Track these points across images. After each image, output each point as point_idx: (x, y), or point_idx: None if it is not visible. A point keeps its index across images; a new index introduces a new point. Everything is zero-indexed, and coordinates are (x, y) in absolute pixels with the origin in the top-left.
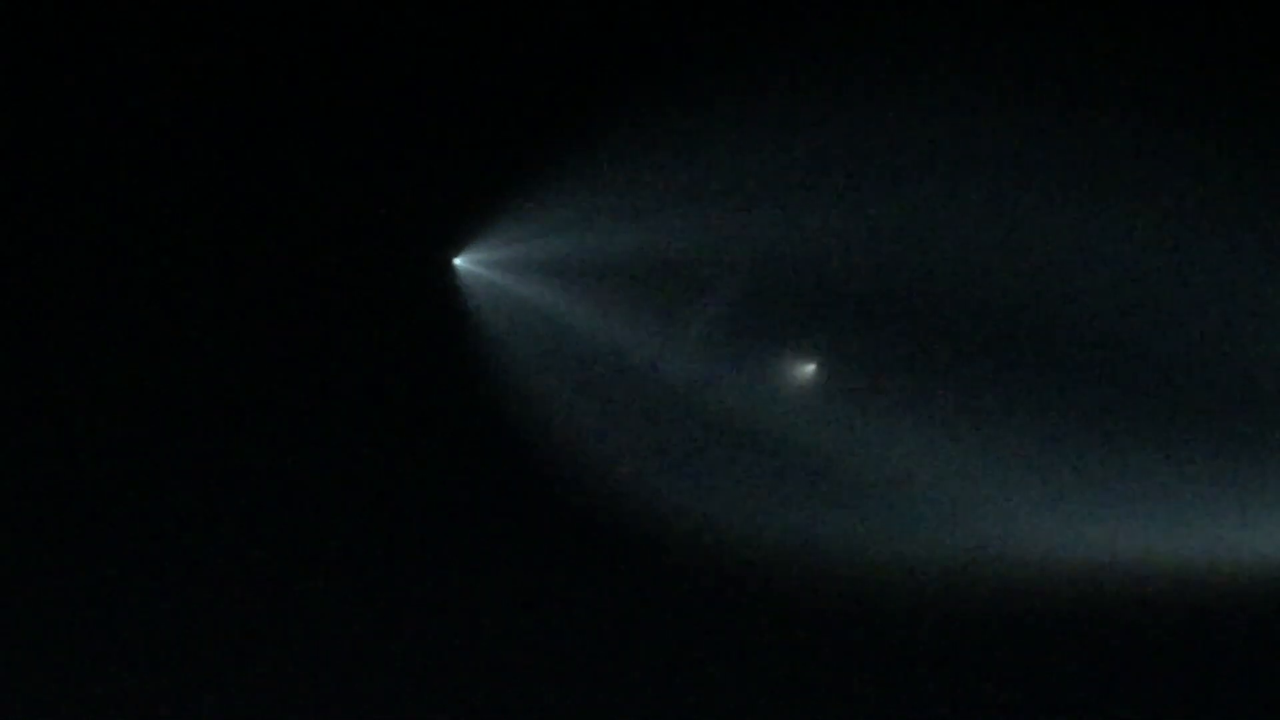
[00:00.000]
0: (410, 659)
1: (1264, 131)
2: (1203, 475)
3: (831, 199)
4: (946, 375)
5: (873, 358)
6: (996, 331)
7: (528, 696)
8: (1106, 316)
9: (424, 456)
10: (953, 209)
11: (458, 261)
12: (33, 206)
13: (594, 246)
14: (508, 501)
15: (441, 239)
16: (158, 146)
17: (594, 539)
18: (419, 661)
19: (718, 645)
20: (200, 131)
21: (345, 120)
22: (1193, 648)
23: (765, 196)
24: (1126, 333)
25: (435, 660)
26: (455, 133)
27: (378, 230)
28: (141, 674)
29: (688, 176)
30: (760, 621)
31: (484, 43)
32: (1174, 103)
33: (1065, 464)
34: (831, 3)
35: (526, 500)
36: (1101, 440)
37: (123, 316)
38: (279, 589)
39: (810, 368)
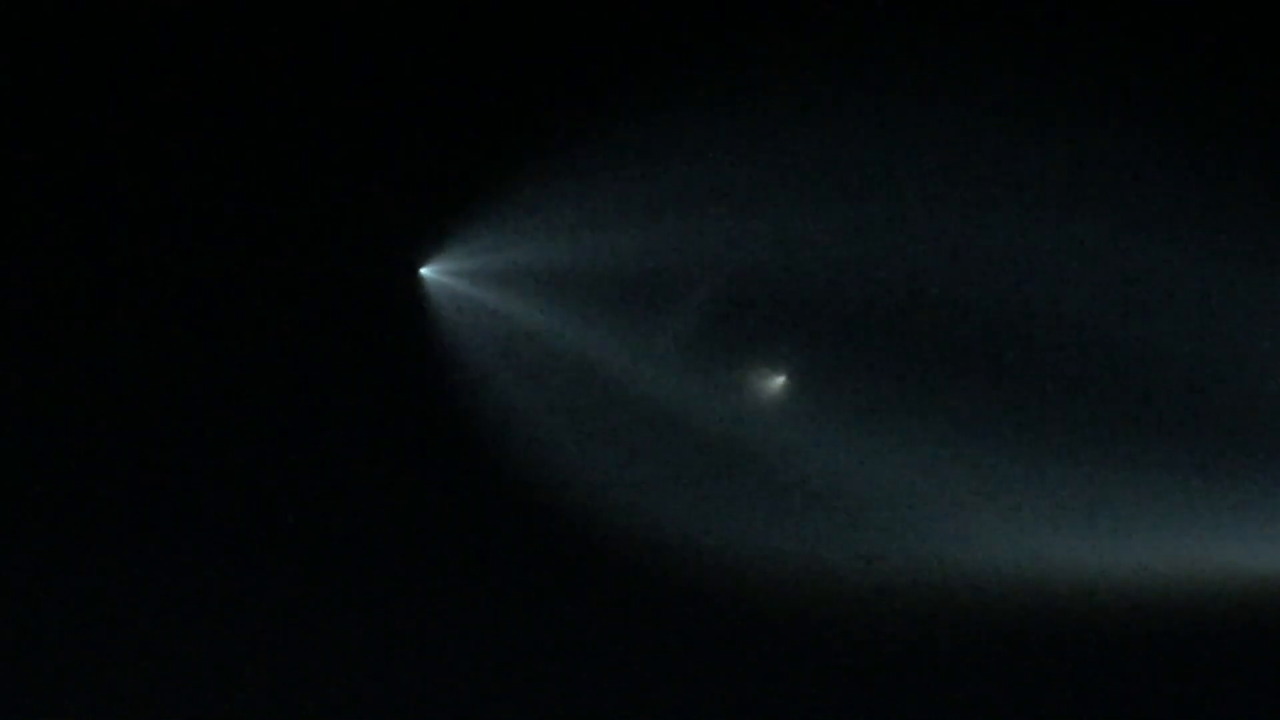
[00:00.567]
0: (371, 671)
1: (1259, 138)
2: (1191, 485)
3: (805, 208)
4: (924, 386)
5: (848, 369)
6: (975, 341)
7: (485, 705)
8: (1089, 325)
9: (390, 469)
10: (931, 217)
11: (424, 271)
12: None
13: (563, 256)
14: (475, 514)
15: (408, 248)
16: (122, 153)
17: (562, 552)
18: (379, 673)
19: (684, 659)
20: (164, 140)
21: (310, 128)
22: (1180, 662)
23: (738, 205)
24: (1111, 341)
25: (396, 671)
26: (422, 140)
27: (342, 239)
28: (104, 683)
29: (659, 185)
30: (730, 635)
31: (452, 51)
32: (1167, 107)
33: (1047, 475)
34: (802, 11)
35: (494, 513)
36: (1086, 451)
37: (83, 324)
38: (237, 601)
39: (783, 379)
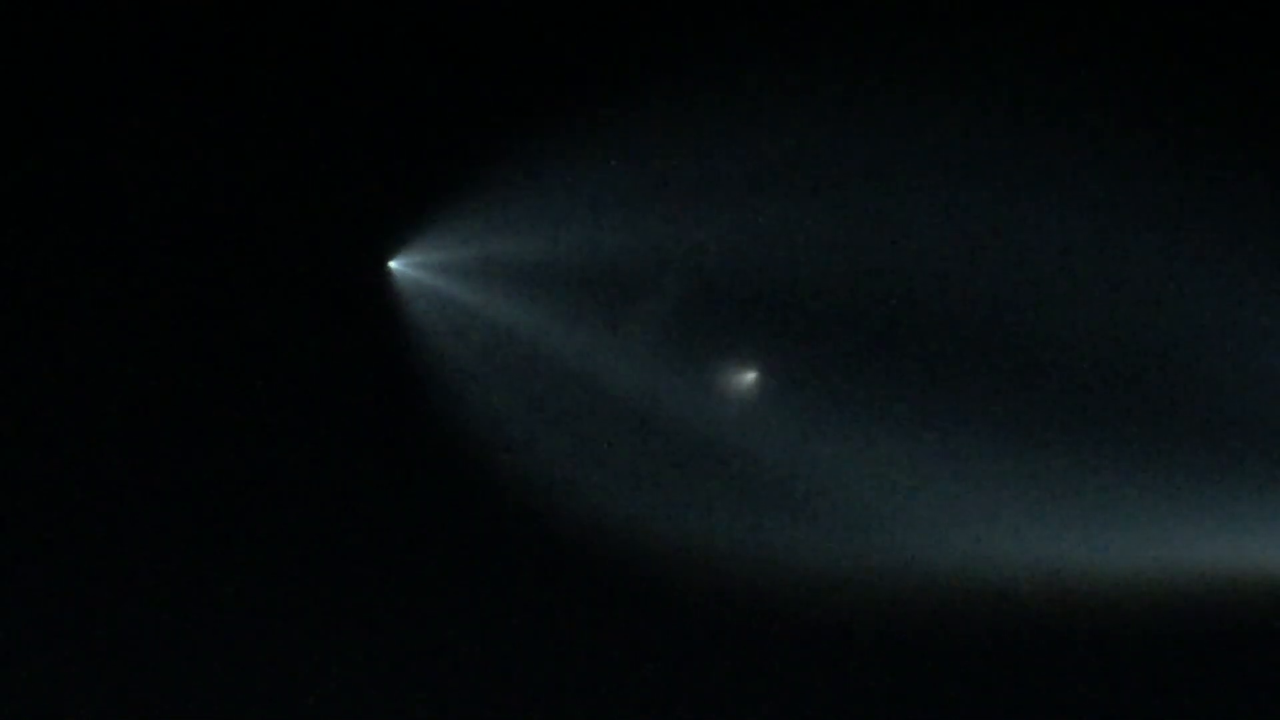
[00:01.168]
0: (337, 671)
1: (1257, 139)
2: (1184, 481)
3: (780, 202)
4: (905, 381)
5: (822, 364)
6: (958, 335)
7: (455, 707)
8: (1078, 319)
9: (358, 464)
10: (911, 209)
11: (393, 264)
12: None
13: (534, 249)
14: (445, 511)
15: (376, 241)
16: (87, 148)
17: (532, 548)
18: (345, 675)
19: (655, 656)
20: (132, 136)
21: (278, 121)
22: (1176, 660)
23: (711, 199)
24: (1102, 336)
25: (362, 672)
26: (391, 133)
27: (310, 232)
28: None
29: (631, 178)
30: (703, 632)
31: (423, 45)
32: (1166, 106)
33: (1022, 471)
34: (773, 2)
35: (464, 509)
36: (1072, 446)
37: (47, 322)
38: (199, 602)
39: (757, 374)
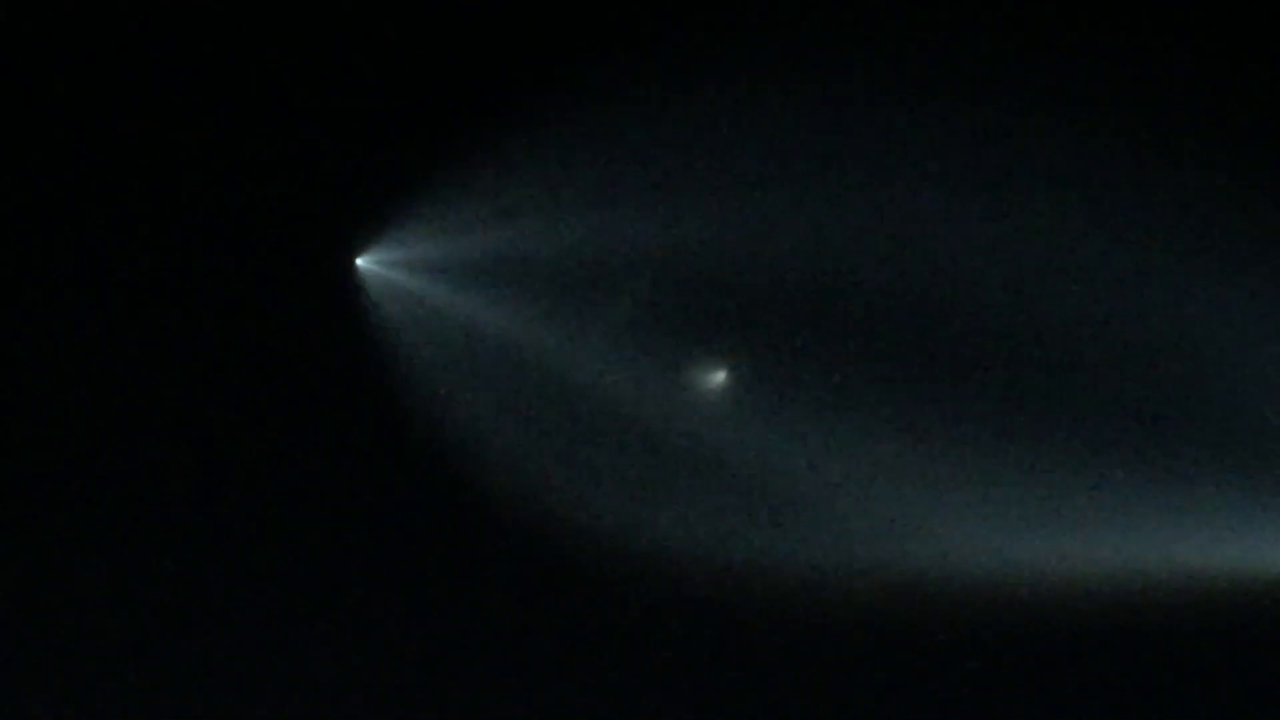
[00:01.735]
0: (300, 671)
1: (1256, 140)
2: (1170, 481)
3: (748, 196)
4: (882, 379)
5: (791, 362)
6: (936, 335)
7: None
8: (1055, 314)
9: (325, 464)
10: (875, 206)
11: (360, 262)
12: None
13: (502, 246)
14: (410, 508)
15: (342, 238)
16: (53, 141)
17: (499, 546)
18: (308, 672)
19: (618, 655)
20: (96, 131)
21: (244, 118)
22: (1162, 661)
23: (678, 194)
24: (1089, 334)
25: (327, 670)
26: (357, 127)
27: (277, 230)
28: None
29: (598, 174)
30: (665, 632)
31: (388, 40)
32: (1165, 104)
33: (993, 471)
34: None
35: (429, 507)
36: (1049, 445)
37: (15, 317)
38: (159, 601)
39: (725, 372)
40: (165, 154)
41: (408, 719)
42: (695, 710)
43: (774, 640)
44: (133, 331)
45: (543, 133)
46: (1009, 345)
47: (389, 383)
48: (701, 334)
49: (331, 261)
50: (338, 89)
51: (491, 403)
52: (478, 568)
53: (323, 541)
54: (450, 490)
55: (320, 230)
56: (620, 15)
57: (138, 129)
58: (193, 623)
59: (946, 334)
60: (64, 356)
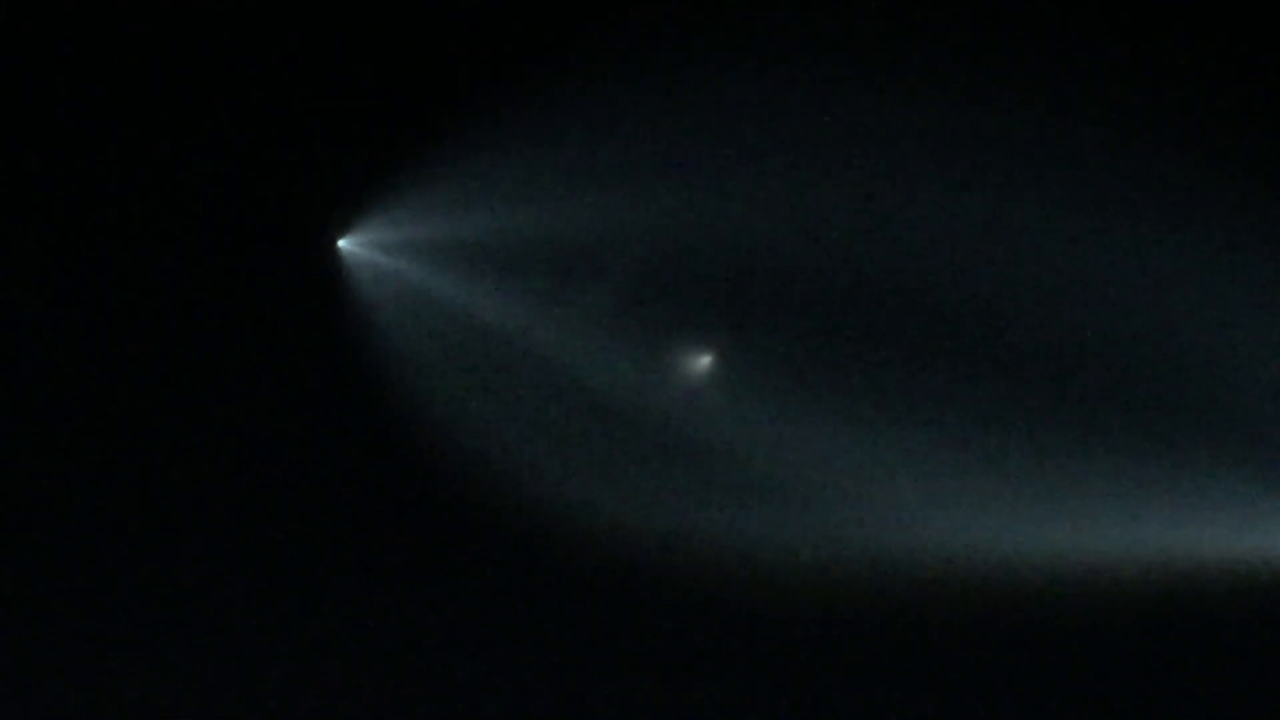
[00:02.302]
0: (281, 651)
1: (1256, 136)
2: (1155, 468)
3: (730, 181)
4: (867, 364)
5: (773, 346)
6: (911, 320)
7: (402, 686)
8: (1042, 301)
9: (307, 443)
10: (857, 192)
11: (342, 244)
12: None
13: (483, 228)
14: (391, 490)
15: (325, 221)
16: (35, 125)
17: (479, 528)
18: (287, 655)
19: (598, 638)
20: (81, 115)
21: (228, 100)
22: (1152, 647)
23: (663, 177)
24: (1075, 320)
25: (307, 653)
26: (340, 111)
27: (260, 212)
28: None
29: (581, 157)
30: (647, 616)
31: (371, 22)
32: (1163, 98)
33: (976, 457)
34: None
35: (409, 489)
36: (1035, 432)
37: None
38: (143, 584)
39: (706, 356)
40: (148, 139)
41: (376, 683)
42: (670, 690)
43: (754, 624)
44: (116, 315)
45: (526, 116)
46: (998, 331)
47: (371, 363)
48: (683, 317)
49: (314, 243)
50: (321, 74)
51: (473, 383)
52: (457, 546)
53: (301, 517)
54: (430, 469)
55: (303, 213)
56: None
57: (122, 114)
58: (168, 597)
59: (933, 319)
60: (45, 335)
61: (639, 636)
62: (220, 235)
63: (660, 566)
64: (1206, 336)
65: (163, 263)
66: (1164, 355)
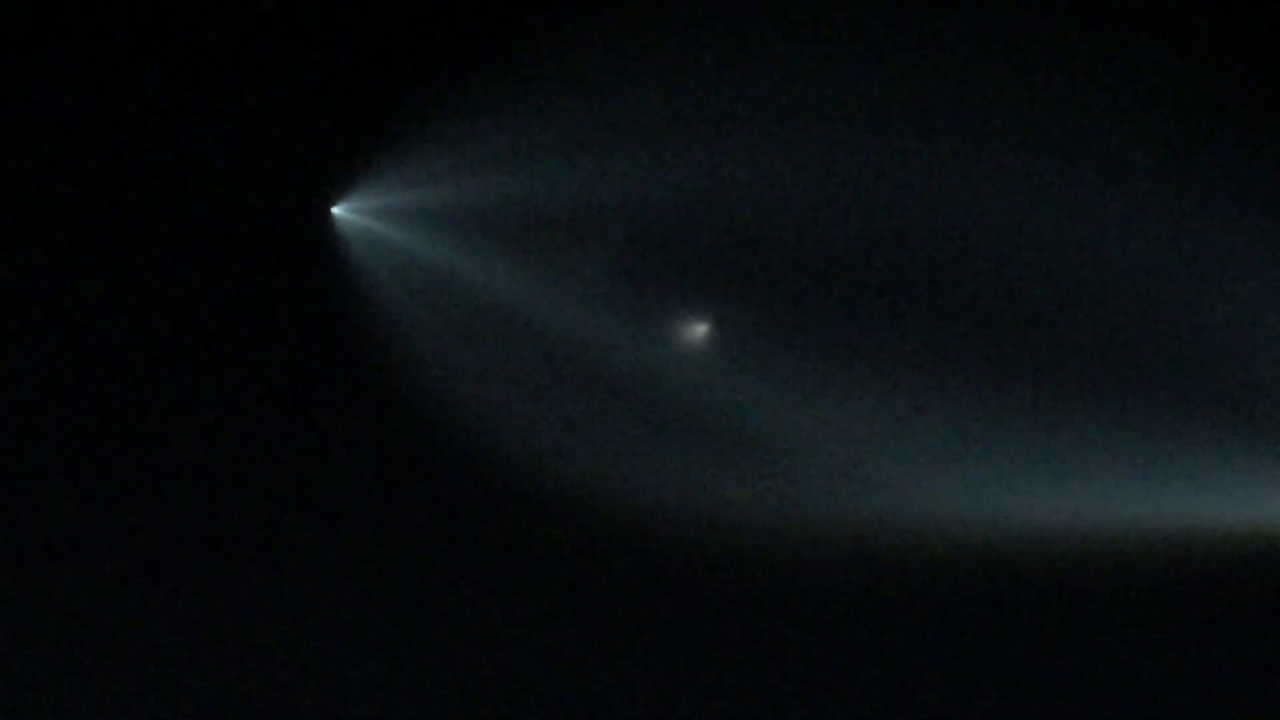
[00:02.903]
0: (277, 632)
1: (1261, 123)
2: (1138, 435)
3: (724, 147)
4: (860, 332)
5: (768, 313)
6: (897, 287)
7: (402, 658)
8: (1034, 270)
9: (300, 410)
10: (852, 159)
11: (336, 210)
12: None
13: (478, 195)
14: (387, 458)
15: (319, 188)
16: (24, 97)
17: (473, 497)
18: (282, 636)
19: (595, 608)
20: (69, 83)
21: (221, 66)
22: (1131, 618)
23: (655, 144)
24: (1062, 289)
25: (303, 633)
26: (333, 76)
27: (253, 178)
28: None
29: (577, 123)
30: (640, 585)
31: None
32: (1161, 85)
33: (968, 425)
34: None
35: (406, 457)
36: (1029, 403)
37: None
38: (135, 559)
39: (700, 324)
40: (136, 107)
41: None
42: (668, 659)
43: (750, 592)
44: (104, 286)
45: (519, 81)
46: (987, 296)
47: (366, 330)
48: (679, 283)
49: (308, 210)
50: (313, 40)
51: (467, 350)
52: (452, 515)
53: (294, 489)
54: (424, 438)
55: (297, 179)
56: None
57: (116, 80)
58: (167, 572)
59: (930, 285)
60: (40, 305)
61: (635, 606)
62: (212, 203)
63: (656, 535)
64: (1204, 304)
65: (153, 232)
66: (1160, 320)
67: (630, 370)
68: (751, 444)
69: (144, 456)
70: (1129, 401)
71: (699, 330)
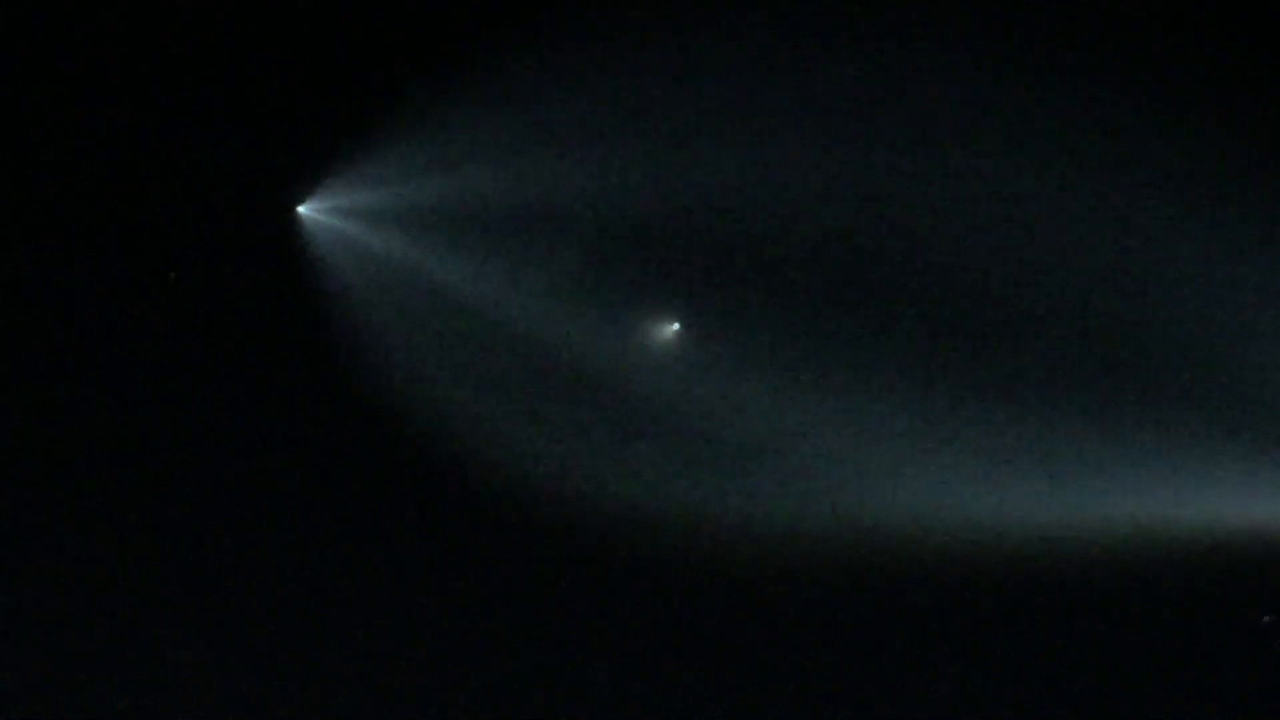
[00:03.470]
0: (243, 629)
1: (1258, 120)
2: (1115, 433)
3: (696, 144)
4: (832, 329)
5: (737, 313)
6: (887, 286)
7: (363, 655)
8: (1021, 268)
9: (266, 410)
10: (828, 156)
11: (301, 210)
12: None
13: (444, 193)
14: (354, 460)
15: (284, 187)
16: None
17: (442, 498)
18: (248, 635)
19: (565, 608)
20: (34, 79)
21: (185, 66)
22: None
23: (626, 142)
24: (1046, 283)
25: (268, 632)
26: (298, 74)
27: (218, 178)
28: None
29: (543, 120)
30: (611, 585)
31: None
32: (1158, 78)
33: (939, 423)
34: None
35: (371, 455)
36: (1016, 404)
37: None
38: (98, 561)
39: (669, 323)
40: (108, 104)
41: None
42: (651, 660)
43: (728, 592)
44: (74, 285)
45: (487, 80)
46: (970, 293)
47: (331, 330)
48: (647, 281)
49: (273, 209)
50: (279, 38)
51: (433, 350)
52: (423, 516)
53: (258, 489)
54: (393, 437)
55: (262, 178)
56: None
57: (81, 80)
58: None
59: (915, 284)
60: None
61: (614, 607)
62: (176, 203)
63: (632, 534)
64: (1203, 304)
65: (115, 231)
66: (1159, 321)
67: (602, 369)
68: (724, 444)
69: (109, 460)
70: (1127, 401)
71: (670, 329)
